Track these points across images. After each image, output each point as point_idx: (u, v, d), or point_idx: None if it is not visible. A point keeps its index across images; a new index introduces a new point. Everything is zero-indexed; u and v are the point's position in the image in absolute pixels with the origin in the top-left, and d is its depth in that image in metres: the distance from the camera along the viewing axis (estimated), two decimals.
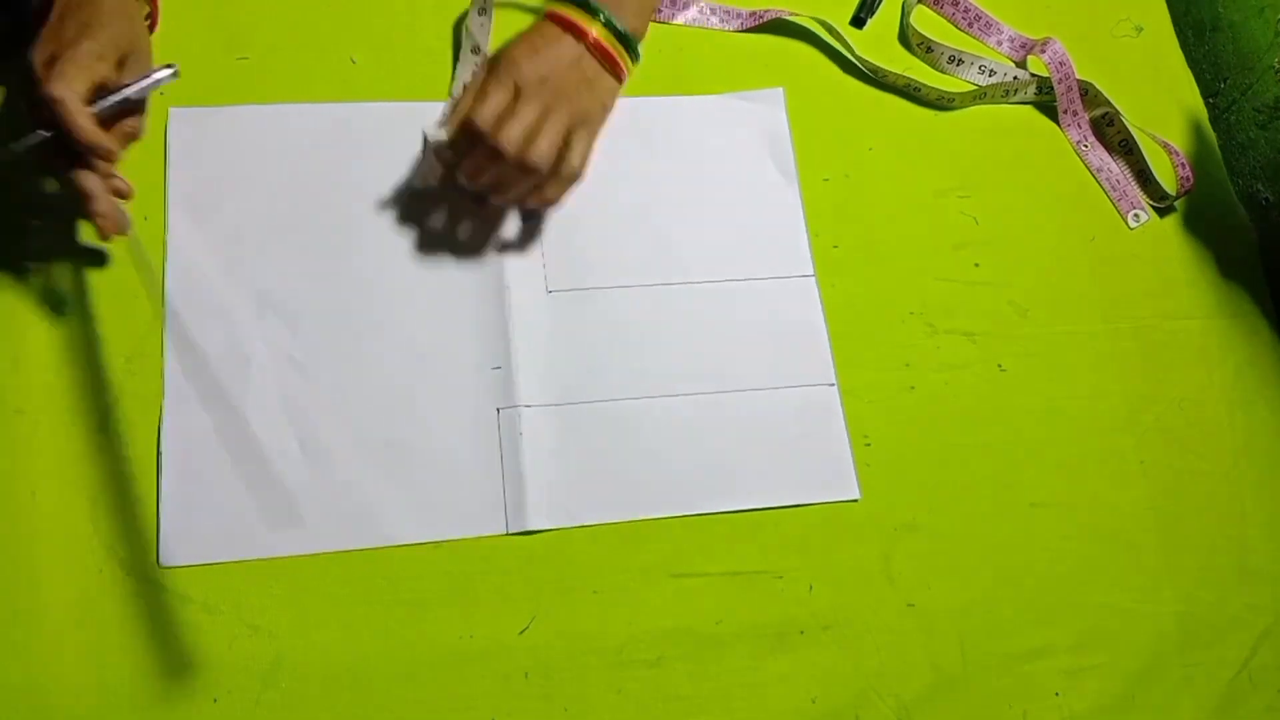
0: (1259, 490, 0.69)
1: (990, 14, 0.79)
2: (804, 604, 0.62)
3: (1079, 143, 0.77)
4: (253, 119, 0.68)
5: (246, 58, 0.70)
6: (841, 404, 0.66)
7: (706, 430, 0.65)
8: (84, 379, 0.61)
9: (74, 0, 0.58)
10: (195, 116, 0.67)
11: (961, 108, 0.76)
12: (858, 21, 0.78)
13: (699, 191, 0.70)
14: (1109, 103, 0.75)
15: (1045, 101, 0.78)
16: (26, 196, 0.64)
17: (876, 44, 0.77)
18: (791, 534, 0.63)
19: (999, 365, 0.69)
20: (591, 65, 0.61)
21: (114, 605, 0.56)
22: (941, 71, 0.78)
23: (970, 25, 0.80)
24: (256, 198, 0.66)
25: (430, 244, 0.66)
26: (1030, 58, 0.78)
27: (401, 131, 0.69)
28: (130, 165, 0.65)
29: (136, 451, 0.59)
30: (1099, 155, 0.77)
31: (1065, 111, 0.77)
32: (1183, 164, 0.76)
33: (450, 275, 0.66)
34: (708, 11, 0.76)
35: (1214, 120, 0.80)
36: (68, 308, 0.62)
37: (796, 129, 0.74)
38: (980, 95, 0.77)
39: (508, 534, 0.61)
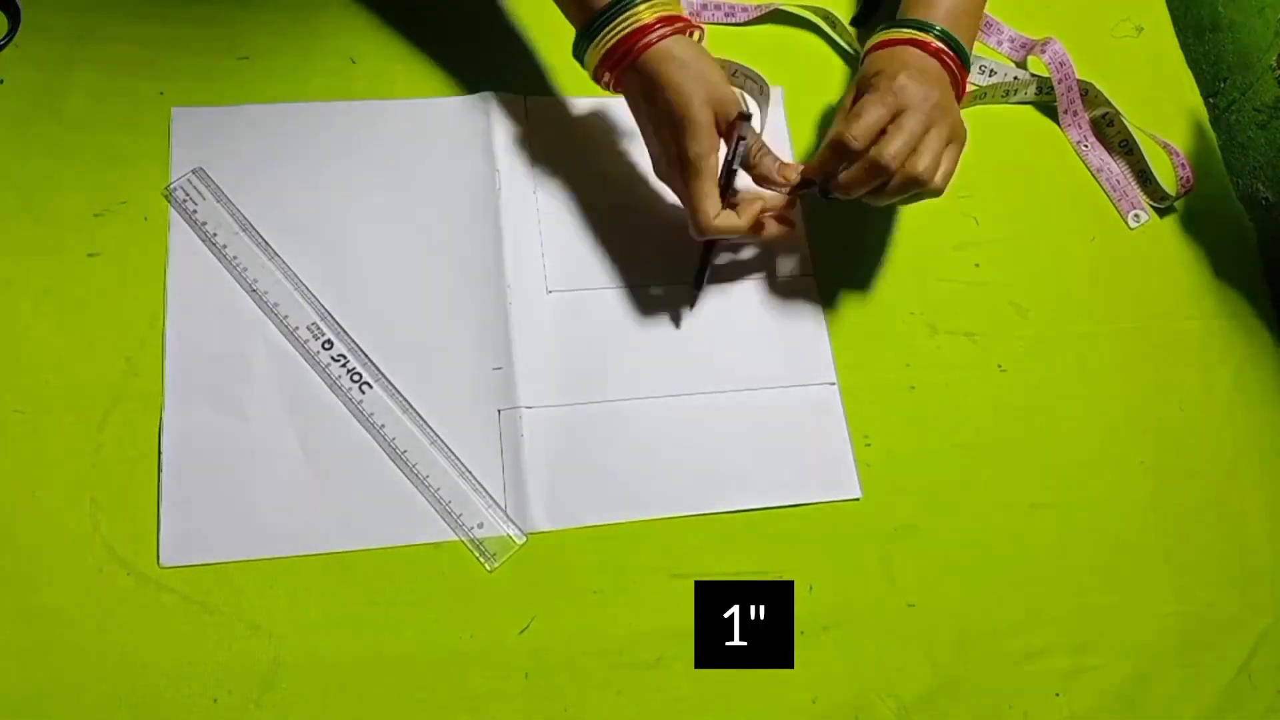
0: (1259, 490, 0.69)
1: (990, 14, 0.79)
2: (804, 604, 0.62)
3: (1079, 143, 0.77)
4: (254, 118, 0.68)
5: (248, 57, 0.70)
6: (842, 404, 0.66)
7: (707, 430, 0.65)
8: (84, 379, 0.60)
9: (651, 94, 0.61)
10: (197, 116, 0.67)
11: (962, 107, 0.76)
12: (859, 21, 0.78)
13: None
14: (1109, 103, 0.75)
15: (1045, 102, 0.78)
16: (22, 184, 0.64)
17: None
18: (791, 534, 0.63)
19: (999, 365, 0.69)
20: (943, 76, 0.63)
21: (114, 605, 0.56)
22: None
23: None
24: (258, 197, 0.66)
25: (431, 244, 0.66)
26: (1030, 58, 0.78)
27: (402, 131, 0.69)
28: (135, 164, 0.66)
29: (137, 451, 0.59)
30: (1099, 155, 0.77)
31: (1065, 111, 0.77)
32: (1183, 164, 0.76)
33: (451, 276, 0.66)
34: (711, 7, 0.76)
35: (1214, 120, 0.80)
36: None
37: (795, 128, 0.74)
38: (980, 95, 0.77)
39: (509, 535, 0.61)
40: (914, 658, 0.62)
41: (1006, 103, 0.77)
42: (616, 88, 0.63)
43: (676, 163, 0.61)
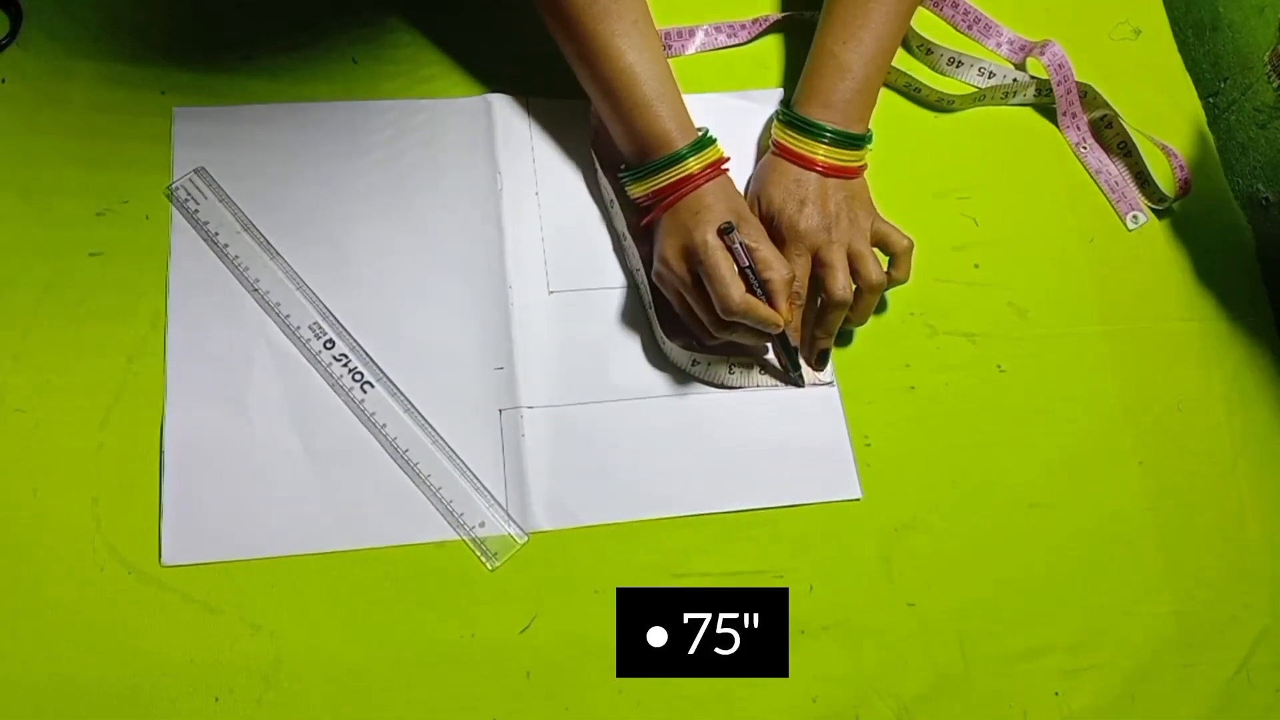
0: (1257, 491, 0.69)
1: (989, 16, 0.79)
2: (804, 604, 0.62)
3: (1078, 144, 0.77)
4: (256, 118, 0.68)
5: (249, 57, 0.70)
6: (842, 404, 0.67)
7: (708, 430, 0.65)
8: (85, 378, 0.61)
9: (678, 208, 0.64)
10: (199, 115, 0.67)
11: (962, 109, 0.76)
12: None
13: None
14: (1108, 105, 0.75)
15: (1045, 104, 0.78)
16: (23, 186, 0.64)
17: None
18: (791, 534, 0.63)
19: (999, 366, 0.69)
20: (836, 183, 0.66)
21: (115, 604, 0.57)
22: (941, 73, 0.78)
23: (970, 28, 0.80)
24: (260, 196, 0.66)
25: (432, 245, 0.67)
26: (1029, 60, 0.78)
27: (404, 132, 0.69)
28: (136, 164, 0.66)
29: (138, 450, 0.59)
30: (1098, 157, 0.77)
31: (1064, 113, 0.77)
32: (1181, 166, 0.76)
33: (452, 276, 0.66)
34: (714, 32, 0.76)
35: (1213, 120, 0.80)
36: None
37: None
38: (980, 97, 0.77)
39: (510, 535, 0.61)
40: (914, 658, 0.62)
41: (1006, 104, 0.78)
42: (646, 217, 0.66)
43: (693, 251, 0.62)
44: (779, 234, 0.65)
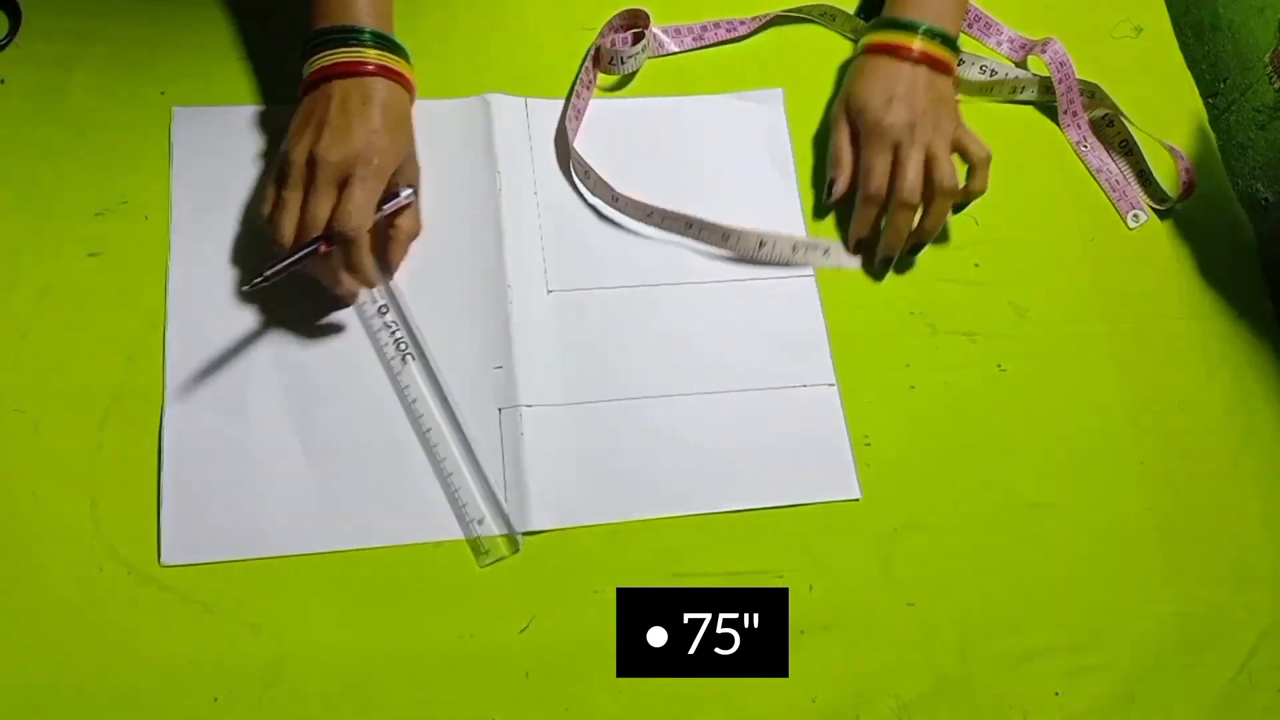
0: (1258, 490, 0.69)
1: (990, 15, 0.79)
2: (804, 604, 0.62)
3: (1079, 143, 0.77)
4: (255, 118, 0.68)
5: (248, 57, 0.70)
6: (842, 404, 0.66)
7: (707, 430, 0.65)
8: (84, 378, 0.61)
9: (357, 99, 0.60)
10: (199, 116, 0.68)
11: (967, 96, 0.76)
12: (866, 14, 0.78)
13: (698, 191, 0.70)
14: (1112, 104, 0.75)
15: (1047, 101, 0.78)
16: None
17: None
18: (791, 534, 0.63)
19: (999, 365, 0.69)
20: (928, 77, 0.68)
21: (114, 605, 0.57)
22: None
23: (970, 25, 0.80)
24: (260, 197, 0.66)
25: (431, 244, 0.66)
26: (1030, 58, 0.78)
27: None
28: (135, 164, 0.66)
29: (138, 450, 0.59)
30: (1099, 156, 0.77)
31: (1065, 112, 0.77)
32: (1186, 168, 0.76)
33: (451, 275, 0.66)
34: (713, 27, 0.76)
35: (1214, 120, 0.80)
36: None
37: (795, 128, 0.74)
38: (987, 89, 0.77)
39: (509, 534, 0.61)
40: (914, 658, 0.62)
41: (1012, 100, 0.77)
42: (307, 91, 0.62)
43: (344, 163, 0.58)
44: (863, 131, 0.67)
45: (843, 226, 0.71)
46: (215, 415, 0.61)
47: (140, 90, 0.68)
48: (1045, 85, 0.77)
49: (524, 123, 0.71)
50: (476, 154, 0.69)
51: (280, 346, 0.63)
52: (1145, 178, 0.76)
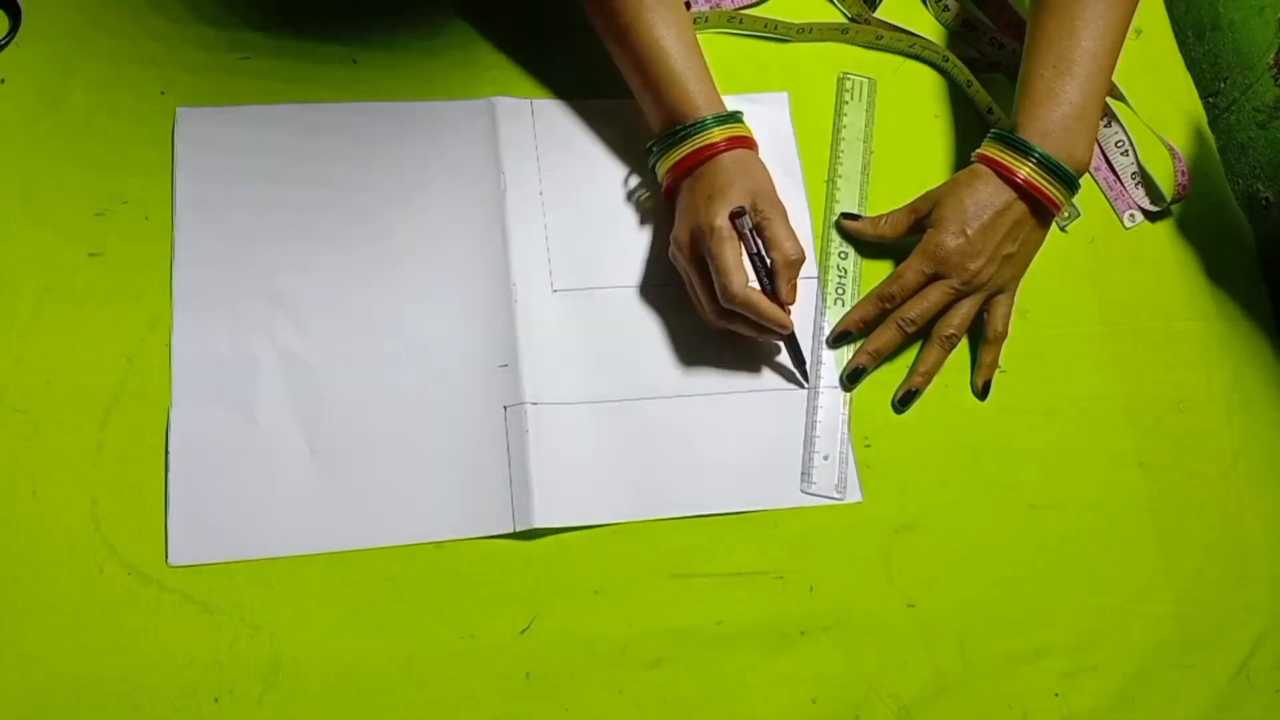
0: (1257, 491, 0.69)
1: None
2: (804, 604, 0.62)
3: None
4: (257, 119, 0.68)
5: (248, 57, 0.70)
6: (843, 406, 0.66)
7: (710, 431, 0.65)
8: (85, 378, 0.60)
9: (698, 177, 0.64)
10: (202, 116, 0.67)
11: (976, 72, 0.76)
12: (870, 3, 0.78)
13: None
14: (1119, 94, 0.75)
15: None
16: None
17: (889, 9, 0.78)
18: (792, 534, 0.63)
19: (999, 366, 0.69)
20: (1024, 217, 0.65)
21: (115, 605, 0.56)
22: (955, 34, 0.78)
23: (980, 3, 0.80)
24: (262, 197, 0.66)
25: (437, 244, 0.66)
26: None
27: (407, 133, 0.69)
28: (136, 164, 0.66)
29: (138, 451, 0.59)
30: (1096, 155, 0.77)
31: None
32: (1183, 170, 0.75)
33: (457, 275, 0.66)
34: None
35: (1213, 120, 0.80)
36: None
37: (801, 133, 0.74)
38: (994, 64, 0.77)
39: (514, 533, 0.61)
40: (914, 658, 0.62)
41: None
42: (671, 192, 0.66)
43: (702, 236, 0.61)
44: (923, 240, 0.66)
45: None
46: (220, 415, 0.61)
47: (140, 90, 0.68)
48: None
49: (529, 124, 0.71)
50: (481, 155, 0.69)
51: (285, 346, 0.63)
52: (1140, 178, 0.76)
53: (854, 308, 0.68)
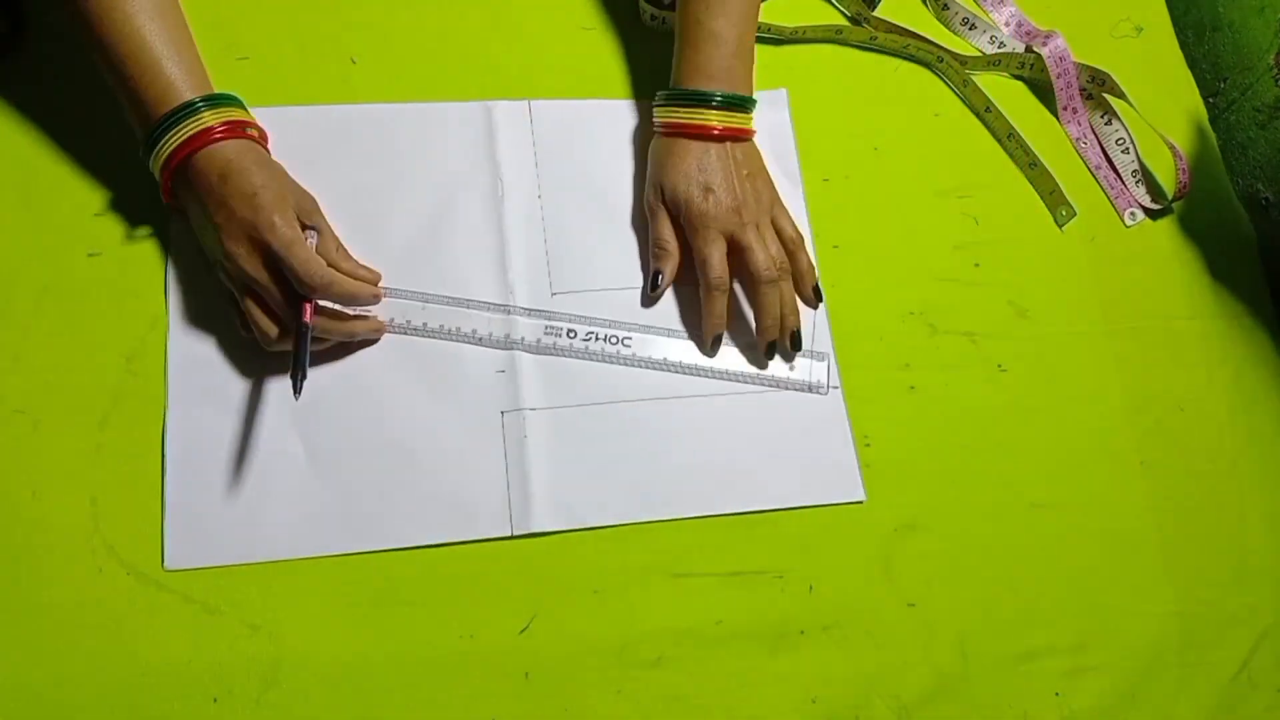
0: (1258, 491, 0.69)
1: None
2: (804, 604, 0.62)
3: (1078, 140, 0.77)
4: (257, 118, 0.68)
5: (247, 58, 0.70)
6: (844, 406, 0.66)
7: (709, 432, 0.65)
8: (84, 379, 0.60)
9: (225, 177, 0.57)
10: None
11: (974, 72, 0.76)
12: (870, 2, 0.78)
13: None
14: (1122, 93, 0.75)
15: (1047, 85, 0.77)
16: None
17: (889, 8, 0.78)
18: (792, 534, 0.63)
19: (999, 365, 0.69)
20: (736, 153, 0.66)
21: (114, 605, 0.56)
22: (955, 33, 0.78)
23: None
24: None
25: (434, 247, 0.66)
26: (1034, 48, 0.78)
27: (405, 135, 0.69)
28: (132, 165, 0.65)
29: (137, 451, 0.59)
30: (1097, 153, 0.77)
31: (1065, 108, 0.77)
32: (1183, 168, 0.75)
33: (454, 278, 0.66)
34: None
35: (1214, 120, 0.80)
36: None
37: (800, 129, 0.74)
38: (994, 62, 0.77)
39: (513, 536, 0.61)
40: (914, 658, 0.62)
41: (1019, 76, 0.77)
42: (175, 197, 0.61)
43: (259, 244, 0.57)
44: (688, 223, 0.65)
45: (843, 216, 0.71)
46: (216, 419, 0.60)
47: None
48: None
49: (527, 126, 0.71)
50: (479, 157, 0.69)
51: (281, 350, 0.63)
52: (1141, 176, 0.76)
53: (708, 316, 0.65)
